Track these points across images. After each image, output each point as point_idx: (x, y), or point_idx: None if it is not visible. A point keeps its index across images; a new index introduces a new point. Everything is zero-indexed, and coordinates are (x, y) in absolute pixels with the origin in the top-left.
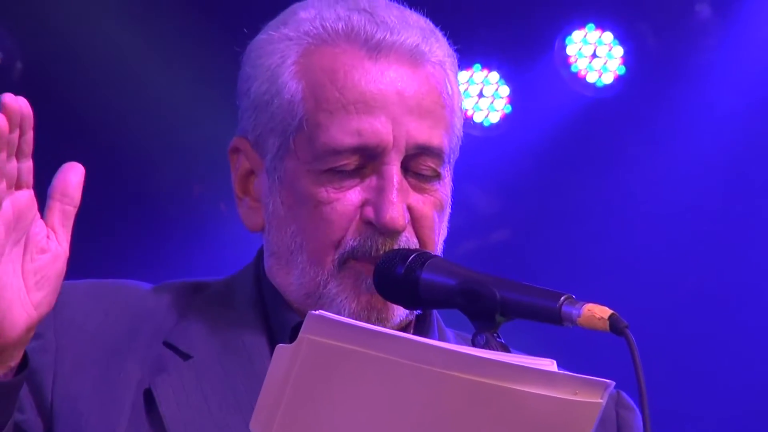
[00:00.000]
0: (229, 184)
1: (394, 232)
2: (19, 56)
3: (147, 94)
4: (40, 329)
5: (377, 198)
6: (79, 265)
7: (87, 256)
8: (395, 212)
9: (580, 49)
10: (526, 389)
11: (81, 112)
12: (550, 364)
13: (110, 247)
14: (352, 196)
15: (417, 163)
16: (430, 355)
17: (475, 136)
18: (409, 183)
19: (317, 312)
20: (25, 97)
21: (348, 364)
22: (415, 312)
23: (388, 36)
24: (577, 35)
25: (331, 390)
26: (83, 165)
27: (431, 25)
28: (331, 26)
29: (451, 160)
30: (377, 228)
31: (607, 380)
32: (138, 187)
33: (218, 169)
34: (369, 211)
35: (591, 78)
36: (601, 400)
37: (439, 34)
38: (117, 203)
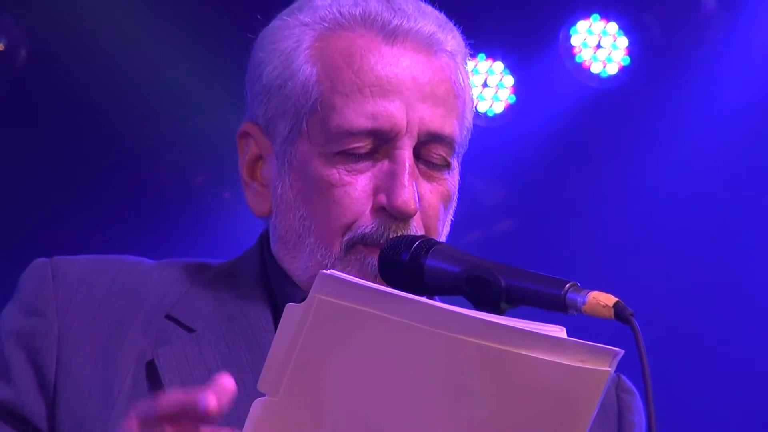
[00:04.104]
0: (234, 174)
1: (406, 216)
2: (24, 44)
3: (152, 83)
4: (41, 306)
5: (389, 182)
6: (83, 253)
7: (91, 245)
8: (407, 195)
9: (584, 39)
10: (534, 354)
11: (85, 100)
12: (559, 331)
13: (114, 235)
14: (364, 182)
15: (428, 151)
16: (440, 318)
17: (479, 126)
18: (419, 170)
19: (328, 271)
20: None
21: (358, 325)
22: None
23: (404, 23)
24: (581, 26)
25: (341, 350)
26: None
27: (446, 17)
28: (347, 12)
29: (461, 152)
30: (389, 212)
31: (616, 348)
32: (142, 177)
33: (223, 159)
34: (381, 198)
35: (595, 68)
36: (609, 368)
37: (454, 27)
38: (121, 192)
